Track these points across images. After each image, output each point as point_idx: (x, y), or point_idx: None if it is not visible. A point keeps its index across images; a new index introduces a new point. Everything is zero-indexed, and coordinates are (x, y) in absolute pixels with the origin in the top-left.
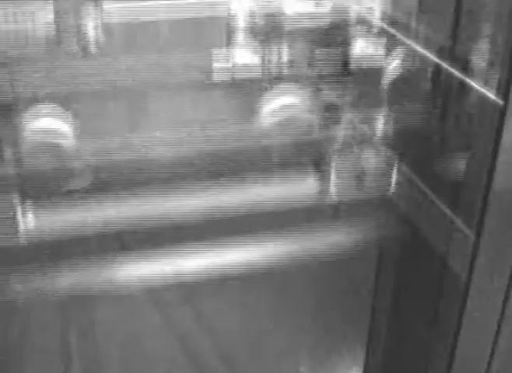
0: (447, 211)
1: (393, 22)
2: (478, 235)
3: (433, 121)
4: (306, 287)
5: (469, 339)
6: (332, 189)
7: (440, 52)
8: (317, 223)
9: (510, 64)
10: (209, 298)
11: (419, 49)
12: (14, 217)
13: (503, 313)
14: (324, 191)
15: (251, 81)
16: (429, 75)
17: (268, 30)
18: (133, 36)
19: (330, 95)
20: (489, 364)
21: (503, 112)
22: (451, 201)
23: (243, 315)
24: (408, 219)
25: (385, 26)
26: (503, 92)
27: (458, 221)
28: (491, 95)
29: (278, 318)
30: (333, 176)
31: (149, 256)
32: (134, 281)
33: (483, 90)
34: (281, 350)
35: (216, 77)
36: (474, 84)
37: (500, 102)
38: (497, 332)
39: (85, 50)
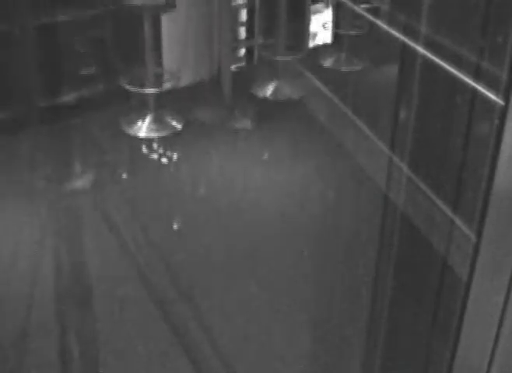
0: (448, 212)
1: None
2: (479, 235)
3: (434, 121)
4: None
5: (470, 339)
6: None
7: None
8: None
9: (511, 65)
10: None
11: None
12: None
13: (503, 313)
14: None
15: None
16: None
17: None
18: None
19: None
20: (490, 364)
21: (504, 112)
22: (452, 202)
23: None
24: (409, 219)
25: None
26: (504, 92)
27: (459, 222)
28: (492, 96)
29: None
30: None
31: None
32: None
33: (484, 90)
34: None
35: None
36: (474, 84)
37: (501, 102)
38: (498, 333)
39: None
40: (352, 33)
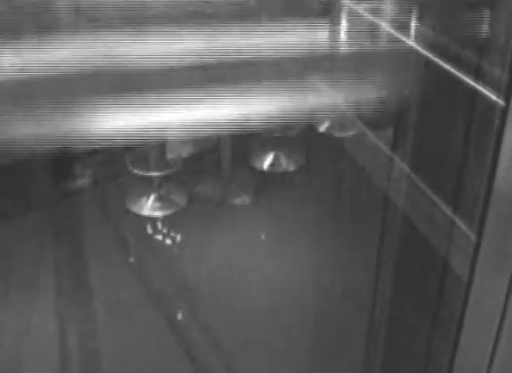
0: (448, 212)
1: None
2: (480, 235)
3: (434, 122)
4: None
5: (470, 339)
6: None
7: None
8: None
9: (511, 65)
10: None
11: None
12: None
13: (504, 313)
14: None
15: None
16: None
17: None
18: None
19: None
20: (490, 364)
21: (504, 113)
22: (452, 202)
23: None
24: (409, 219)
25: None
26: (504, 92)
27: (459, 222)
28: (492, 96)
29: None
30: None
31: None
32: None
33: (484, 90)
34: None
35: None
36: (475, 84)
37: (502, 102)
38: (498, 333)
39: None
40: None
